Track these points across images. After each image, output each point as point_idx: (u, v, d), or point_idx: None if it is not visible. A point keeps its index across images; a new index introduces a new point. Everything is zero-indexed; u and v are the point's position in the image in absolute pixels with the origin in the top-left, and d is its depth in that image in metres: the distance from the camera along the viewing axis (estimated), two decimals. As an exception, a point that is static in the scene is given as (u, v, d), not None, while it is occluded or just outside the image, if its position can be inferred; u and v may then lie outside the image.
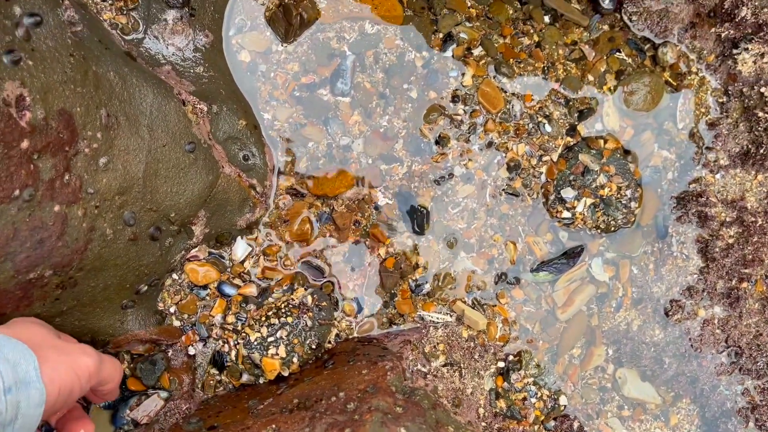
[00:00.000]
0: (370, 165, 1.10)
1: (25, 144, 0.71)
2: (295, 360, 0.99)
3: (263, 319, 1.00)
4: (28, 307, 0.82)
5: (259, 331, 0.99)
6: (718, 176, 1.17)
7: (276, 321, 0.99)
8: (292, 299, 1.01)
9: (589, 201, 1.12)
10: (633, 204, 1.14)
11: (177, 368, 0.99)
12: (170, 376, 0.99)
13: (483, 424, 1.06)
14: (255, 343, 0.99)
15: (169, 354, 0.99)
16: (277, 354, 0.98)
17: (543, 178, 1.14)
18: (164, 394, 0.97)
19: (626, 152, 1.16)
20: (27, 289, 0.79)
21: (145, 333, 0.96)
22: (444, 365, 1.03)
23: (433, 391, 0.97)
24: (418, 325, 1.09)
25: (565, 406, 1.13)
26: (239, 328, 1.00)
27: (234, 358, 1.00)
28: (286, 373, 0.99)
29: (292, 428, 0.83)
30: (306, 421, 0.83)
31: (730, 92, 1.17)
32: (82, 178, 0.79)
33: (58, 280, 0.82)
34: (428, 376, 0.99)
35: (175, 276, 1.00)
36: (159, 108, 0.88)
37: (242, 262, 1.04)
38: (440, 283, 1.11)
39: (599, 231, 1.15)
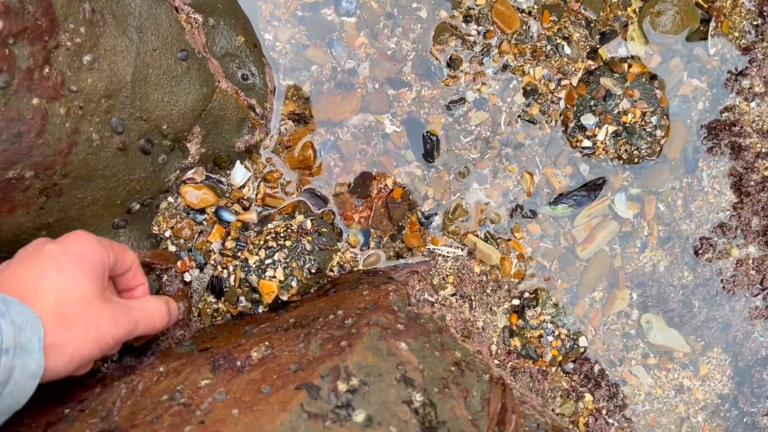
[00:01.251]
0: (377, 90, 1.05)
1: (-2, 25, 0.67)
2: (293, 284, 0.93)
3: (261, 243, 0.94)
4: (11, 213, 0.78)
5: (257, 254, 0.94)
6: (753, 104, 1.09)
7: (274, 244, 0.94)
8: (291, 225, 0.96)
9: (611, 128, 1.05)
10: (658, 132, 1.06)
11: (171, 295, 0.95)
12: (165, 303, 0.94)
13: (496, 361, 0.99)
14: (253, 266, 0.94)
15: (163, 279, 0.95)
16: (274, 276, 0.93)
17: (562, 104, 1.07)
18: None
19: (652, 77, 1.08)
20: (7, 191, 0.75)
21: (138, 255, 0.91)
22: (453, 295, 0.97)
23: (441, 318, 0.90)
24: (427, 258, 1.03)
25: (585, 348, 1.06)
26: (238, 254, 0.95)
27: (232, 283, 0.95)
28: (284, 297, 0.93)
29: (285, 344, 0.77)
30: (301, 338, 0.78)
31: (765, 14, 1.08)
32: (64, 74, 0.74)
33: (40, 185, 0.78)
34: (435, 305, 0.93)
35: (170, 199, 0.95)
36: (149, 10, 0.83)
37: (241, 187, 0.99)
38: (451, 216, 1.04)
39: (622, 162, 1.07)
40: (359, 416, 0.67)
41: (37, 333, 0.63)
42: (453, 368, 0.79)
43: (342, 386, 0.69)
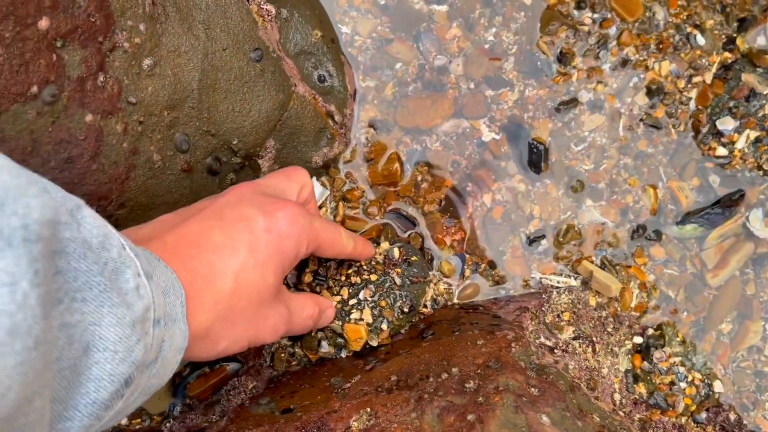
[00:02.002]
0: (472, 90, 0.89)
1: (44, 23, 0.53)
2: (384, 326, 0.78)
3: (343, 279, 0.80)
4: (58, 252, 0.64)
5: (339, 293, 0.80)
6: None
7: (358, 279, 0.79)
8: (376, 255, 0.81)
9: (754, 134, 0.88)
10: (808, 138, 0.89)
11: (241, 337, 0.81)
12: (233, 347, 0.80)
13: (620, 413, 0.83)
14: (336, 307, 0.79)
15: (232, 319, 0.80)
16: (361, 319, 0.78)
17: (692, 105, 0.90)
18: (235, 366, 0.79)
19: (799, 73, 0.90)
20: (54, 227, 0.61)
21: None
22: (574, 338, 0.81)
23: (565, 369, 0.75)
24: (533, 290, 0.88)
25: (720, 393, 0.89)
26: (317, 290, 0.81)
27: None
28: (374, 343, 0.79)
29: (392, 412, 0.63)
30: (411, 404, 0.63)
31: None
32: (121, 83, 0.60)
33: (93, 218, 0.64)
34: (556, 350, 0.78)
35: (237, 224, 0.81)
36: (216, 1, 0.68)
37: (318, 207, 0.84)
38: (561, 239, 0.89)
39: (762, 173, 0.90)
40: None
41: (179, 298, 0.51)
42: (597, 440, 0.64)
43: (477, 477, 0.54)
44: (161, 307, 0.47)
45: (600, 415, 0.69)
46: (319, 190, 0.84)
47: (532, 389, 0.63)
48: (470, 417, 0.59)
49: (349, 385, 0.71)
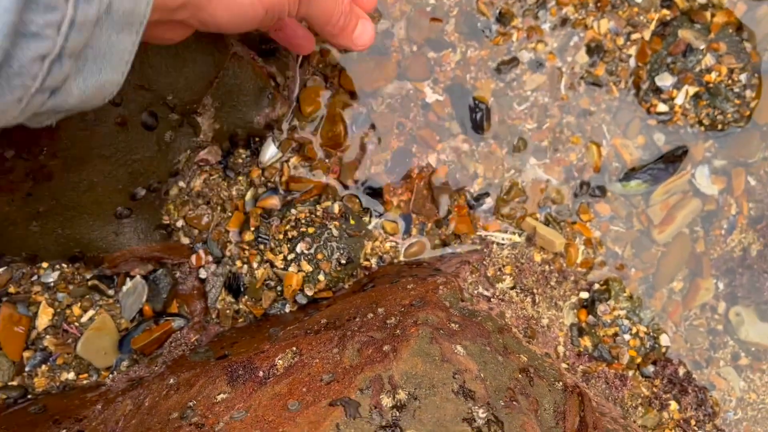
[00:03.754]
0: (415, 53, 0.91)
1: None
2: (321, 277, 0.80)
3: (281, 236, 0.81)
4: (-8, 200, 0.66)
5: (281, 252, 0.81)
6: None
7: (295, 233, 0.81)
8: (315, 210, 0.83)
9: (692, 90, 0.89)
10: (748, 93, 0.90)
11: (186, 294, 0.82)
12: (179, 303, 0.82)
13: (564, 365, 0.84)
14: (281, 268, 0.80)
15: (177, 276, 0.82)
16: (302, 270, 0.80)
17: (632, 62, 0.91)
18: (180, 322, 0.81)
19: (738, 28, 0.91)
20: (-16, 173, 0.63)
21: (145, 248, 0.79)
22: (512, 288, 0.82)
23: (500, 315, 0.76)
24: (479, 247, 0.89)
25: (667, 347, 0.90)
26: (261, 249, 0.82)
27: (251, 279, 0.82)
28: (310, 293, 0.80)
29: (316, 350, 0.64)
30: (334, 341, 0.64)
31: None
32: (46, 32, 0.62)
33: (25, 167, 0.66)
34: (492, 300, 0.79)
35: (182, 184, 0.83)
36: (147, -41, 0.70)
37: (263, 168, 0.86)
38: (505, 197, 0.90)
39: (704, 128, 0.91)
40: (409, 439, 0.53)
41: None
42: (520, 376, 0.65)
43: (386, 401, 0.55)
44: None
45: (529, 356, 0.70)
46: (273, 149, 0.85)
47: (453, 325, 0.65)
48: (386, 348, 0.60)
49: (283, 332, 0.73)
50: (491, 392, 0.60)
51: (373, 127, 0.90)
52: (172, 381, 0.68)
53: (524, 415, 0.60)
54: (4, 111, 0.44)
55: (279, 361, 0.65)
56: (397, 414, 0.54)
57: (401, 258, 0.88)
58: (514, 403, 0.61)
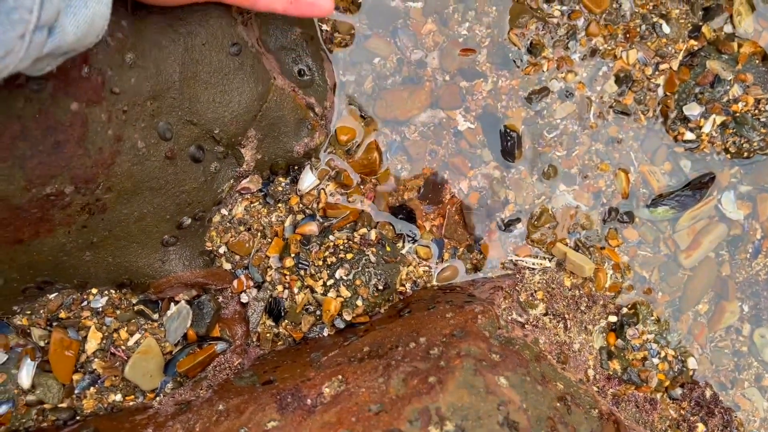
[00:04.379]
0: (448, 82, 0.93)
1: (30, 19, 0.58)
2: (359, 303, 0.82)
3: (321, 262, 0.84)
4: (50, 233, 0.69)
5: (321, 278, 0.84)
6: None
7: (334, 259, 0.83)
8: (353, 237, 0.86)
9: (719, 119, 0.91)
10: (775, 122, 0.92)
11: (228, 318, 0.85)
12: (221, 327, 0.85)
13: (594, 388, 0.86)
14: (320, 292, 0.83)
15: (219, 300, 0.85)
16: (340, 296, 0.82)
17: (660, 91, 0.93)
18: (223, 345, 0.83)
19: (764, 58, 0.93)
20: (45, 209, 0.66)
21: (190, 275, 0.82)
22: (545, 314, 0.85)
23: (534, 342, 0.78)
24: (510, 271, 0.91)
25: (694, 370, 0.92)
26: (302, 274, 0.85)
27: (291, 303, 0.84)
28: (348, 318, 0.83)
29: (362, 378, 0.66)
30: (379, 371, 0.67)
31: None
32: (104, 74, 0.65)
33: (82, 201, 0.69)
34: (526, 326, 0.81)
35: (224, 211, 0.86)
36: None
37: (301, 195, 0.88)
38: (536, 222, 0.92)
39: (730, 156, 0.93)
40: (459, 471, 0.56)
41: None
42: (558, 404, 0.67)
43: (435, 433, 0.58)
44: None
45: (565, 383, 0.72)
46: (311, 177, 0.88)
47: (494, 355, 0.67)
48: (431, 379, 0.62)
49: (325, 358, 0.75)
50: (533, 422, 0.62)
51: (406, 154, 0.93)
52: (221, 407, 0.70)
53: (564, 444, 0.62)
54: (10, 50, 0.47)
55: (326, 389, 0.67)
56: (446, 445, 0.57)
57: (434, 282, 0.91)
58: (555, 432, 0.63)
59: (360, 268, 0.83)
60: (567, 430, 0.65)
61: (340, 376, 0.68)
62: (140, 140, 0.70)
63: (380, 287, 0.83)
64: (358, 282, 0.83)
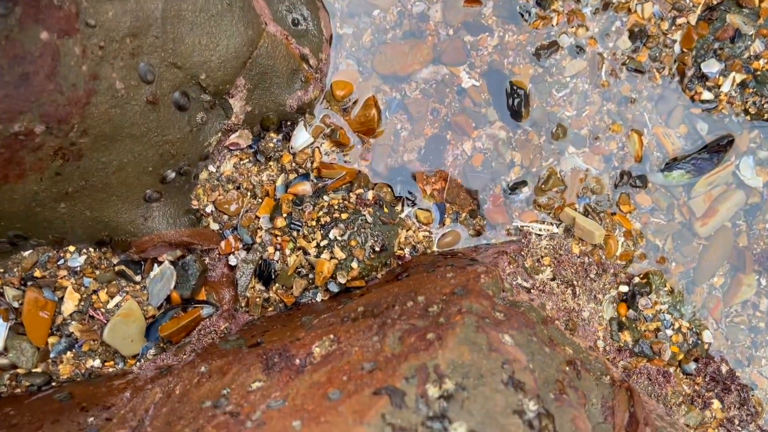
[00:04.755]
0: (452, 37, 0.88)
1: (-7, -67, 0.53)
2: (354, 265, 0.77)
3: (314, 222, 0.79)
4: (21, 179, 0.64)
5: (314, 239, 0.79)
6: None
7: (328, 219, 0.78)
8: (349, 197, 0.80)
9: (739, 77, 0.86)
10: (798, 81, 0.86)
11: (215, 281, 0.80)
12: (207, 290, 0.80)
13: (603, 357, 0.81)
14: (313, 255, 0.78)
15: (206, 262, 0.80)
16: (333, 257, 0.77)
17: (677, 48, 0.88)
18: (209, 309, 0.78)
19: (788, 14, 0.88)
20: (14, 149, 0.61)
21: (174, 233, 0.77)
22: (552, 279, 0.79)
23: (541, 306, 0.73)
24: (514, 238, 0.86)
25: (709, 343, 0.87)
26: (294, 235, 0.80)
27: (283, 266, 0.79)
28: (342, 280, 0.77)
29: (355, 337, 0.61)
30: (374, 329, 0.62)
31: None
32: (78, 4, 0.60)
33: (55, 144, 0.64)
34: (532, 291, 0.76)
35: (211, 168, 0.81)
36: (182, -68, 0.68)
37: (294, 153, 0.83)
38: (543, 186, 0.87)
39: (749, 118, 0.88)
40: (459, 431, 0.51)
41: None
42: (567, 368, 0.62)
43: (433, 391, 0.53)
44: None
45: (574, 348, 0.67)
46: (305, 135, 0.83)
47: (498, 314, 0.62)
48: (430, 335, 0.57)
49: (317, 321, 0.70)
50: (540, 384, 0.57)
51: (406, 112, 0.88)
52: (203, 369, 0.66)
53: (574, 409, 0.57)
54: None
55: (316, 348, 0.62)
56: (445, 404, 0.52)
57: (435, 248, 0.85)
58: (564, 396, 0.58)
59: (356, 229, 0.78)
60: (577, 395, 0.60)
61: (331, 336, 0.63)
62: (119, 80, 0.65)
63: (377, 249, 0.78)
64: (353, 243, 0.78)
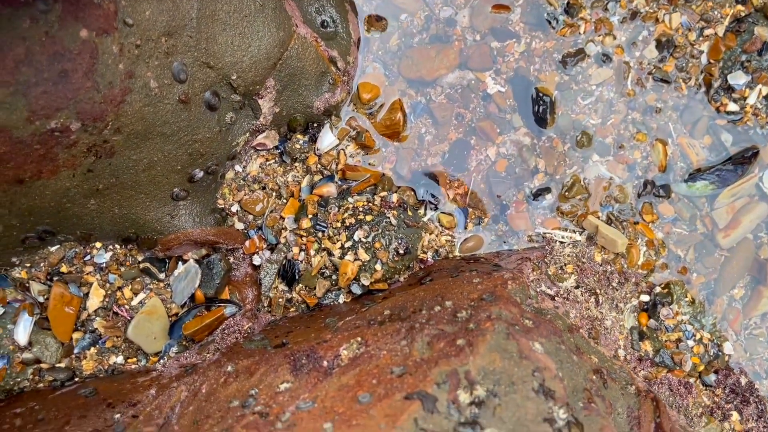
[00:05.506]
0: (478, 42, 0.88)
1: (38, -69, 0.53)
2: (378, 267, 0.77)
3: (339, 224, 0.79)
4: (54, 175, 0.65)
5: (339, 240, 0.79)
6: None
7: (353, 221, 0.78)
8: (373, 200, 0.81)
9: (765, 89, 0.86)
10: (825, 95, 0.86)
11: (238, 280, 0.80)
12: (231, 290, 0.80)
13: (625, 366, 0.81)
14: (338, 256, 0.78)
15: (230, 261, 0.80)
16: (358, 259, 0.77)
17: (704, 58, 0.88)
18: (232, 308, 0.78)
19: (815, 28, 0.88)
20: (49, 146, 0.62)
21: (200, 232, 0.77)
22: (576, 287, 0.79)
23: (566, 315, 0.73)
24: (536, 244, 0.86)
25: (730, 355, 0.87)
26: (319, 236, 0.80)
27: (307, 266, 0.79)
28: (366, 282, 0.78)
29: (382, 341, 0.62)
30: (402, 333, 0.62)
31: None
32: (117, 2, 0.60)
33: (89, 141, 0.64)
34: (556, 298, 0.76)
35: (238, 167, 0.81)
36: (218, -67, 0.69)
37: (320, 155, 0.83)
38: (567, 193, 0.87)
39: (776, 131, 0.88)
40: (491, 438, 0.51)
41: None
42: (594, 377, 0.62)
43: (464, 397, 0.53)
44: None
45: (599, 358, 0.67)
46: (330, 137, 0.83)
47: (527, 321, 0.62)
48: (460, 341, 0.57)
49: (342, 323, 0.70)
50: (569, 392, 0.57)
51: (431, 117, 0.88)
52: (230, 368, 0.66)
53: (602, 418, 0.57)
54: None
55: (343, 351, 0.62)
56: (476, 411, 0.52)
57: (457, 252, 0.86)
58: (592, 405, 0.58)
59: (380, 231, 0.78)
60: (604, 403, 0.60)
61: (359, 338, 0.63)
62: (153, 79, 0.65)
63: (401, 251, 0.78)
64: (377, 245, 0.78)
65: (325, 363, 0.61)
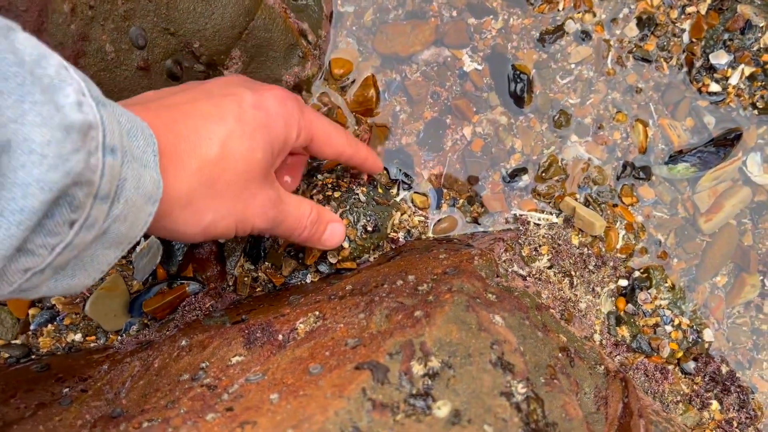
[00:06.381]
0: (455, 18, 0.86)
1: None
2: (345, 244, 0.75)
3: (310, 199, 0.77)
4: (4, 140, 0.62)
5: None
6: None
7: (321, 197, 0.76)
8: (343, 176, 0.79)
9: (748, 69, 0.83)
10: (810, 76, 0.84)
11: (202, 258, 0.78)
12: (194, 267, 0.77)
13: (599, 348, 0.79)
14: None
15: (193, 238, 0.78)
16: (325, 236, 0.75)
17: (686, 37, 0.86)
18: (195, 286, 0.76)
19: (801, 8, 0.86)
20: (-4, 108, 0.59)
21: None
22: (549, 267, 0.77)
23: (536, 294, 0.71)
24: (512, 226, 0.84)
25: (710, 342, 0.84)
26: (283, 214, 0.77)
27: (273, 244, 0.77)
28: (333, 260, 0.75)
29: (341, 314, 0.59)
30: (360, 307, 0.59)
31: None
32: (69, -40, 0.58)
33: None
34: (528, 278, 0.74)
35: (204, 142, 0.79)
36: None
37: (289, 131, 0.81)
38: (544, 174, 0.85)
39: (757, 112, 0.86)
40: (442, 409, 0.48)
41: (150, 146, 0.48)
42: (560, 355, 0.60)
43: (418, 368, 0.50)
44: (117, 137, 0.42)
45: (568, 337, 0.65)
46: None
47: (490, 295, 0.59)
48: (417, 313, 0.55)
49: (304, 299, 0.68)
50: (531, 368, 0.55)
51: (406, 94, 0.86)
52: (184, 343, 0.63)
53: (565, 395, 0.55)
54: None
55: (300, 325, 0.60)
56: (430, 382, 0.49)
57: (430, 234, 0.83)
58: (555, 381, 0.56)
59: (348, 207, 0.76)
60: (569, 381, 0.57)
61: (317, 312, 0.61)
62: (109, 43, 0.63)
63: (369, 228, 0.76)
64: (345, 221, 0.76)
65: (280, 337, 0.59)
